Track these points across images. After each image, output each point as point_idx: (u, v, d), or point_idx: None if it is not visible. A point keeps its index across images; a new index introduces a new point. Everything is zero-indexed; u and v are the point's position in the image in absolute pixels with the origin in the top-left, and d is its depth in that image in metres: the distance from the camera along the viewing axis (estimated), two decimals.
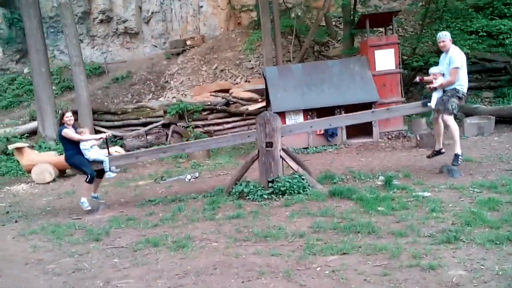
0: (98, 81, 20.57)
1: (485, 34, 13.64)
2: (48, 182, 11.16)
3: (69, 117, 7.30)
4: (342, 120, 8.10)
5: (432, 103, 7.04)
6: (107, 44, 22.60)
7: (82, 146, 7.30)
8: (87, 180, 7.27)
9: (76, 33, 15.06)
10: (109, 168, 7.46)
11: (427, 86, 7.27)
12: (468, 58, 15.30)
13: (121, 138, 14.55)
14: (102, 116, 15.29)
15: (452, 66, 6.77)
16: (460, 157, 7.02)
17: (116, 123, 15.12)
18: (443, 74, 6.98)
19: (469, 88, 15.22)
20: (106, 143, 7.87)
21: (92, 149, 7.39)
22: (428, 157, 7.73)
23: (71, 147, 7.30)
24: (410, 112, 8.09)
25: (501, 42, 13.68)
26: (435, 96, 7.02)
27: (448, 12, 13.97)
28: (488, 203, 5.28)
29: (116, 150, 11.63)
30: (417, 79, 7.75)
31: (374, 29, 15.13)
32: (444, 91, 6.97)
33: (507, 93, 14.73)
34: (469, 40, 13.32)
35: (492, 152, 8.70)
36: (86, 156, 7.31)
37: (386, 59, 11.89)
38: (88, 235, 5.94)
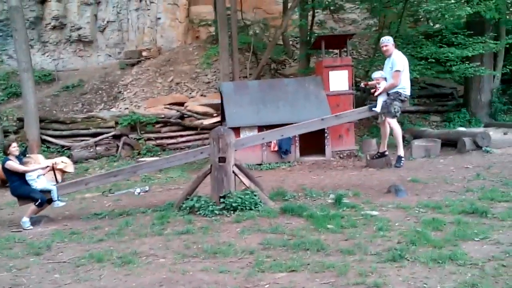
0: (47, 89, 19.84)
1: (434, 60, 14.23)
2: None
3: (15, 147, 7.12)
4: (294, 130, 8.18)
5: (378, 107, 7.26)
6: (59, 51, 21.90)
7: (28, 176, 7.07)
8: (37, 204, 6.99)
9: (27, 38, 14.56)
10: (57, 197, 7.22)
11: (372, 91, 7.48)
12: (417, 83, 15.97)
13: (69, 148, 14.04)
14: (50, 125, 14.72)
15: (394, 69, 6.96)
16: (402, 159, 7.25)
17: (64, 133, 14.59)
18: (385, 78, 7.20)
19: (418, 112, 16.01)
20: (53, 172, 7.62)
21: (38, 179, 7.16)
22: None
23: (16, 178, 7.06)
24: (358, 117, 8.33)
25: (449, 69, 14.31)
26: (380, 100, 7.23)
27: (400, 38, 14.49)
28: (432, 223, 5.45)
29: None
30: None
31: (330, 50, 15.49)
32: (388, 95, 7.18)
33: (453, 118, 15.45)
34: (419, 65, 13.87)
35: (437, 173, 9.02)
36: (33, 187, 7.08)
37: (340, 80, 12.15)
38: (28, 248, 5.64)
